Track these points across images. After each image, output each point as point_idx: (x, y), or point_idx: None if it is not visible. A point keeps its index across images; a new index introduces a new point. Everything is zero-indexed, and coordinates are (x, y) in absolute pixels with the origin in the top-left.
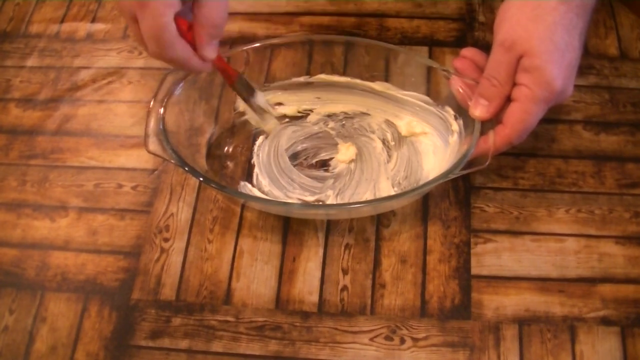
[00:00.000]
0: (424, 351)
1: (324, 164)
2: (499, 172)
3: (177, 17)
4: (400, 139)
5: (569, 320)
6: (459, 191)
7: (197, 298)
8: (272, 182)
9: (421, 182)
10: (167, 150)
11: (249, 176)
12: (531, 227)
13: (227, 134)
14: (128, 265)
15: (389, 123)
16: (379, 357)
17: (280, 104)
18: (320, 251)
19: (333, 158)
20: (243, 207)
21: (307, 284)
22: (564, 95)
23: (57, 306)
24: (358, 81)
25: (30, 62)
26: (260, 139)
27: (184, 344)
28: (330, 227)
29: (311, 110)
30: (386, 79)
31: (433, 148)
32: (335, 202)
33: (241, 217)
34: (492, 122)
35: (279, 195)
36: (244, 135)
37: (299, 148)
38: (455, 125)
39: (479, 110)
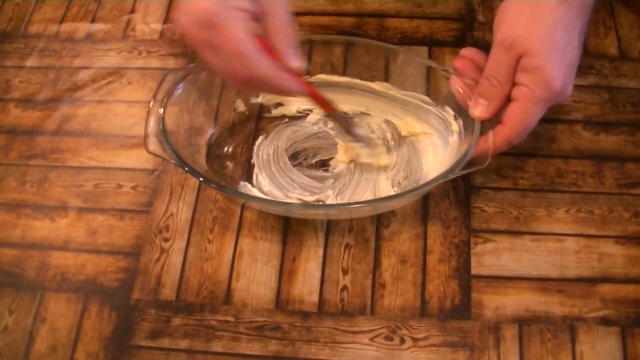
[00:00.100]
0: (424, 351)
1: (323, 164)
2: (498, 172)
3: (253, 36)
4: (400, 139)
5: (569, 320)
6: (458, 191)
7: (197, 298)
8: (272, 182)
9: (421, 182)
10: (166, 150)
11: (248, 176)
12: (531, 227)
13: (227, 134)
14: (128, 265)
15: (388, 123)
16: (379, 357)
17: (280, 104)
18: (320, 251)
19: (333, 158)
20: (243, 207)
21: (307, 284)
22: (563, 95)
23: (57, 306)
24: (358, 81)
25: (30, 62)
26: (260, 139)
27: (184, 344)
28: (330, 227)
29: (311, 110)
30: (386, 79)
31: (433, 148)
32: (335, 202)
33: (241, 217)
34: (492, 122)
35: (278, 195)
36: (243, 135)
37: (299, 148)
38: (455, 125)
39: (479, 110)
